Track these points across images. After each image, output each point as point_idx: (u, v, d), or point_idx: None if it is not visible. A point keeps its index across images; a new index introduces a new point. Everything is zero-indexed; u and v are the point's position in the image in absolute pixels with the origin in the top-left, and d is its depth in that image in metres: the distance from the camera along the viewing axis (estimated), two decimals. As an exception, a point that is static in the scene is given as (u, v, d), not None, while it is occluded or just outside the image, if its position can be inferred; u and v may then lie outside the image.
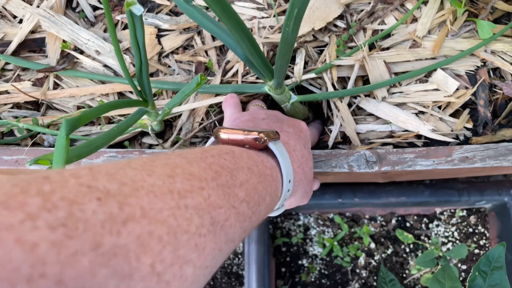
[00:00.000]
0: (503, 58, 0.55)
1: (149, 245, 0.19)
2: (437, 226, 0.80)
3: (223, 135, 0.36)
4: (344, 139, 0.56)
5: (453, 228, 0.78)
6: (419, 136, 0.53)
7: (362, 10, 0.59)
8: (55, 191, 0.17)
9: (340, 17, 0.59)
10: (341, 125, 0.55)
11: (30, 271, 0.15)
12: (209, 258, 0.23)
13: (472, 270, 0.52)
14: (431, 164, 0.50)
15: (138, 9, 0.35)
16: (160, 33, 0.60)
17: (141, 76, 0.44)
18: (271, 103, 0.62)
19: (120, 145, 0.58)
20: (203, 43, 0.59)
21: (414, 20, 0.57)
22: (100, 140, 0.37)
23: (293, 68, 0.57)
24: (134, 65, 0.58)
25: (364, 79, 0.57)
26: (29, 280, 0.15)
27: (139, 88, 0.46)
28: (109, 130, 0.40)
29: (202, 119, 0.57)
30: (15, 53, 0.60)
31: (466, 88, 0.54)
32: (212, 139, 0.39)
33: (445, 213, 0.81)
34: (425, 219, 0.80)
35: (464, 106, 0.55)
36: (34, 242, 0.15)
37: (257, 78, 0.57)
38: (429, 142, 0.54)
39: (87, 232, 0.17)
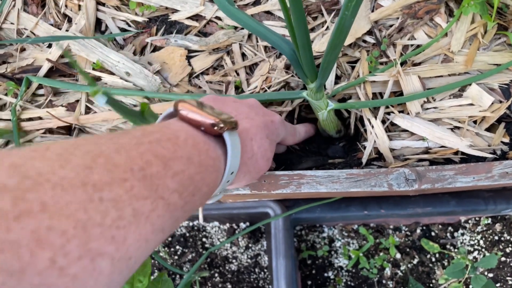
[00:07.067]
0: (535, 71, 0.55)
1: (48, 240, 0.19)
2: (462, 234, 0.80)
3: (183, 111, 0.33)
4: (379, 155, 0.56)
5: (479, 236, 0.78)
6: (455, 152, 0.53)
7: (391, 26, 0.59)
8: None
9: (369, 32, 0.59)
10: (374, 141, 0.55)
11: None
12: (132, 249, 0.23)
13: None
14: (471, 180, 0.50)
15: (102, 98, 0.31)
16: (190, 54, 0.60)
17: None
18: (299, 117, 0.61)
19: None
20: (232, 63, 0.59)
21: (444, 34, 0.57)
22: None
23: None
24: (164, 86, 0.58)
25: (397, 95, 0.57)
26: None
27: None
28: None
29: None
30: (46, 78, 0.60)
31: (500, 101, 0.54)
32: (169, 109, 0.36)
33: (470, 221, 0.81)
34: (450, 228, 0.80)
35: (499, 120, 0.54)
36: None
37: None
38: (466, 158, 0.53)
39: None
